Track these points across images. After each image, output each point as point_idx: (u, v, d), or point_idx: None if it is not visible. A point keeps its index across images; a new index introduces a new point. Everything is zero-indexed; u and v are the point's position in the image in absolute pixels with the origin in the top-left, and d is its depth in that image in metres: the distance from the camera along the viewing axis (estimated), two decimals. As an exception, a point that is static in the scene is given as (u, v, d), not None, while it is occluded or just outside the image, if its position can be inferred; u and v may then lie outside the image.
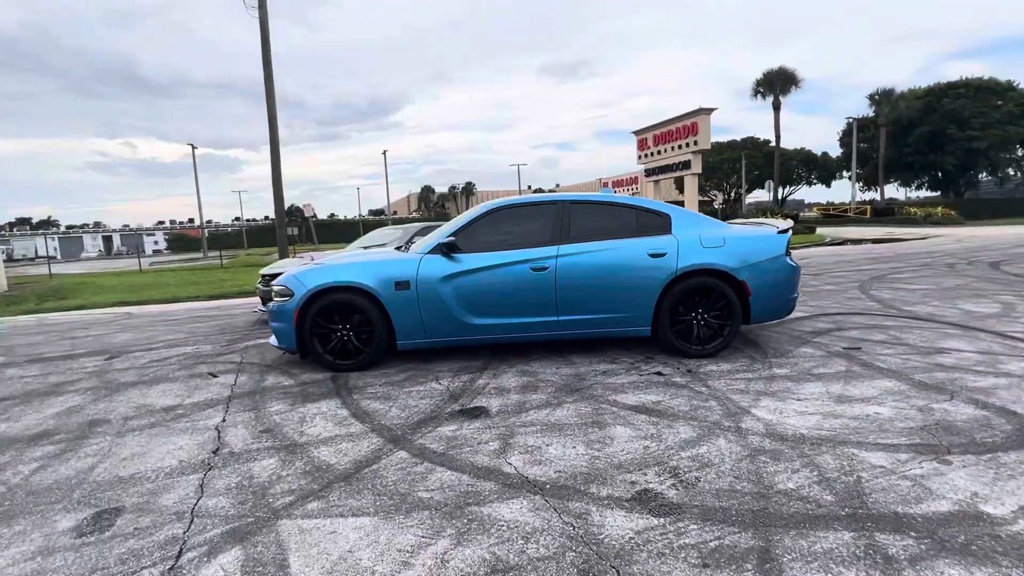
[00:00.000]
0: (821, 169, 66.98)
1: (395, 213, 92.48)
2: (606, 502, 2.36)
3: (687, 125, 29.40)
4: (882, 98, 37.94)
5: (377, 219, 72.43)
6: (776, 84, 34.02)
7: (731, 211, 42.04)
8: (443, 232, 4.71)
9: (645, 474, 2.60)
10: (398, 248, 5.49)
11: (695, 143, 29.11)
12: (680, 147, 30.03)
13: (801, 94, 23.07)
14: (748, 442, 2.90)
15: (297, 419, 3.52)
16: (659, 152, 31.85)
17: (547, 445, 2.97)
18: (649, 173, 33.33)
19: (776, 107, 34.59)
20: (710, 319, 4.54)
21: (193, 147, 38.32)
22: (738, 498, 2.34)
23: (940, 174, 40.54)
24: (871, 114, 42.81)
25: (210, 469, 2.84)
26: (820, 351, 4.58)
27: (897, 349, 4.55)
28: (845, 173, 51.32)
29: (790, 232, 4.70)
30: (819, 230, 30.06)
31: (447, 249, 4.48)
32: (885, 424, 3.05)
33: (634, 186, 79.56)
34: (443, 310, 4.48)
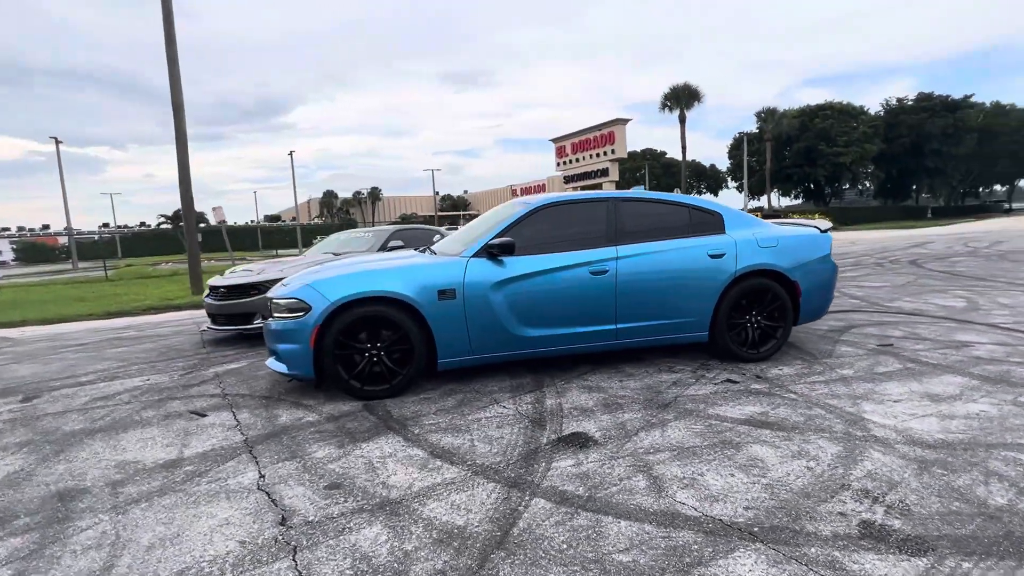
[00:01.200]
0: (710, 179, 73.04)
1: (294, 219, 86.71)
2: (839, 542, 2.00)
3: (604, 134, 30.48)
4: (767, 116, 42.30)
5: (277, 225, 67.40)
6: (682, 99, 36.55)
7: None
8: (486, 231, 4.12)
9: (843, 502, 2.28)
10: (422, 250, 4.74)
11: (612, 151, 30.27)
12: (598, 155, 31.05)
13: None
14: (902, 453, 2.70)
15: (363, 466, 2.78)
16: (577, 159, 32.72)
17: (700, 475, 2.56)
18: (568, 180, 34.10)
19: (682, 120, 37.17)
20: (763, 321, 4.40)
21: (57, 141, 32.92)
22: (970, 522, 2.10)
23: (812, 185, 46.07)
24: (755, 130, 47.49)
25: (296, 551, 2.07)
26: (860, 349, 4.62)
27: (925, 344, 4.71)
28: (732, 183, 56.34)
29: (831, 232, 4.72)
30: None
31: (498, 251, 3.90)
32: (1004, 422, 3.02)
33: (542, 192, 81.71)
34: (493, 322, 3.90)
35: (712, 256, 4.24)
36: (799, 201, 50.55)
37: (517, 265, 3.94)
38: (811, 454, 2.73)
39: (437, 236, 8.15)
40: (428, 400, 3.78)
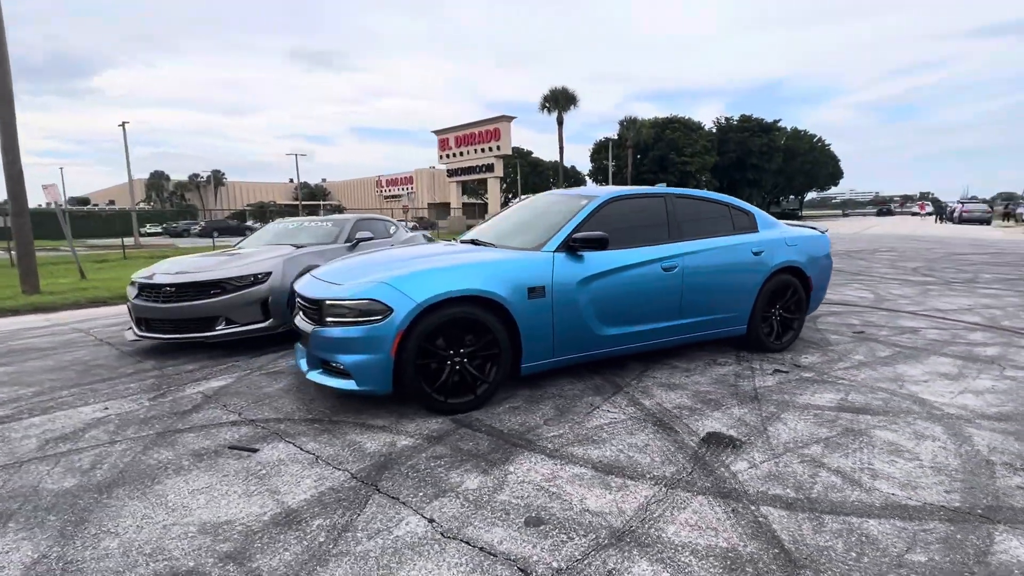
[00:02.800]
0: (571, 180, 77.57)
1: (112, 203, 73.11)
2: (1051, 514, 2.22)
3: (490, 130, 30.73)
4: (629, 124, 46.30)
5: (88, 210, 56.17)
6: (560, 101, 38.20)
7: None
8: (557, 224, 3.82)
9: (1008, 476, 2.54)
10: (454, 240, 4.18)
11: (498, 147, 30.66)
12: (483, 150, 31.21)
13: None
14: (987, 426, 3.10)
15: (538, 492, 2.40)
16: (461, 153, 32.52)
17: (870, 464, 2.66)
18: (451, 173, 33.76)
19: (560, 122, 38.91)
20: (784, 314, 4.77)
21: None
22: (1110, 481, 2.48)
23: (664, 190, 51.76)
24: (614, 136, 51.70)
25: (587, 607, 1.70)
26: (843, 337, 5.24)
27: (885, 330, 5.50)
28: (593, 184, 60.57)
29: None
30: None
31: (585, 245, 3.65)
32: (1018, 393, 3.64)
33: (409, 186, 79.93)
34: (577, 321, 3.65)
35: (754, 253, 4.48)
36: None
37: (596, 261, 3.74)
38: (927, 434, 3.01)
39: (392, 227, 7.48)
40: (520, 410, 3.42)
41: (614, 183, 54.23)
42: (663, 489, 2.45)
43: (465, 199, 59.42)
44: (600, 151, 55.02)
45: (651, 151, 47.36)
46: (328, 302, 3.24)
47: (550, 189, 69.53)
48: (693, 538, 2.08)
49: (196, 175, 79.76)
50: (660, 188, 4.53)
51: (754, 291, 4.48)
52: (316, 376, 3.34)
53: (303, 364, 3.60)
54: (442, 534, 2.12)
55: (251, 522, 2.21)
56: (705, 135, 51.01)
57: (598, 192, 4.14)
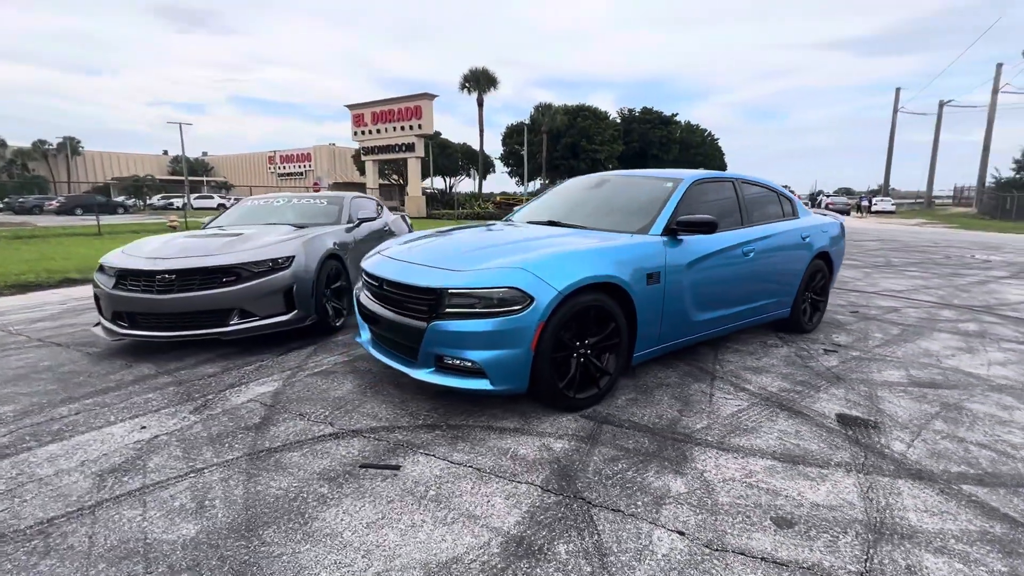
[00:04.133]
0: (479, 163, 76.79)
1: (-75, 171, 59.84)
2: None
3: (410, 107, 29.36)
4: (544, 111, 46.71)
5: None
6: (481, 82, 37.40)
7: (450, 199, 43.49)
8: (662, 206, 3.63)
9: (1109, 438, 2.86)
10: (507, 220, 3.82)
11: (419, 126, 29.41)
12: (403, 128, 29.79)
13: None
14: (1046, 395, 3.50)
15: (750, 490, 2.26)
16: (379, 131, 30.78)
17: (1000, 437, 2.86)
18: (367, 151, 31.85)
19: (480, 103, 38.16)
20: (814, 296, 5.03)
21: None
22: None
23: (575, 175, 53.03)
24: (526, 121, 52.03)
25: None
26: (852, 318, 5.66)
27: (876, 310, 6.05)
28: (504, 168, 60.70)
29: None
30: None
31: (686, 229, 3.51)
32: (1038, 364, 4.16)
33: (307, 163, 75.00)
34: (680, 306, 3.54)
35: (803, 239, 4.65)
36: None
37: (695, 245, 3.63)
38: (1007, 404, 3.32)
39: (380, 207, 6.85)
40: (640, 402, 3.24)
41: (522, 169, 54.76)
42: (860, 476, 2.43)
43: (362, 179, 56.86)
44: (512, 135, 55.03)
45: (563, 138, 48.29)
46: (451, 290, 2.81)
47: (460, 172, 67.84)
48: (941, 524, 2.08)
49: (43, 142, 67.93)
50: (730, 173, 4.52)
51: (800, 275, 4.67)
52: (428, 376, 2.91)
53: (395, 363, 3.13)
54: (706, 546, 1.92)
55: (483, 556, 1.85)
56: (611, 124, 53.02)
57: (681, 175, 4.03)
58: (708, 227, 3.50)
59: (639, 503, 2.18)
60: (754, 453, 2.62)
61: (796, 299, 4.71)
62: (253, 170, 79.39)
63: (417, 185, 30.87)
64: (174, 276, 3.95)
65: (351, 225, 5.53)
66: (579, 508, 2.13)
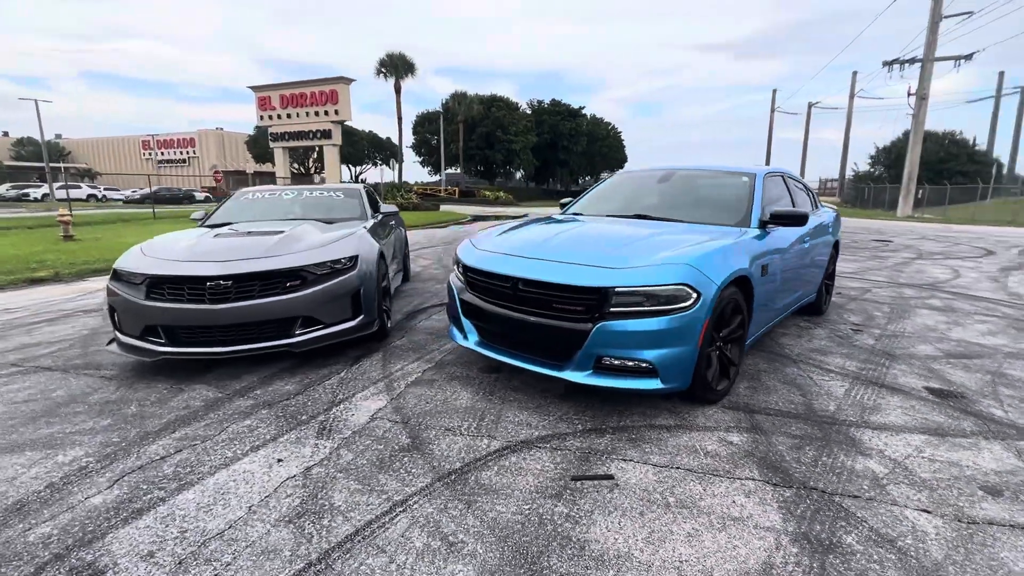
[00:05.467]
0: (386, 151, 74.59)
1: None
2: None
3: (325, 92, 27.60)
4: (460, 99, 45.95)
5: None
6: (400, 68, 35.73)
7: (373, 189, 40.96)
8: (750, 200, 3.76)
9: None
10: (564, 214, 3.79)
11: (335, 112, 27.79)
12: (318, 114, 27.98)
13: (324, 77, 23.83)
14: (1048, 358, 4.14)
15: (969, 469, 2.45)
16: (289, 116, 28.60)
17: (1055, 396, 3.34)
18: (276, 138, 29.46)
19: (397, 90, 36.41)
20: (827, 282, 5.51)
21: None
22: None
23: (492, 166, 53.03)
24: (436, 110, 51.15)
25: None
26: (845, 298, 6.28)
27: (855, 291, 6.76)
28: (416, 157, 59.11)
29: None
30: (443, 207, 33.86)
31: (778, 222, 3.66)
32: None
33: (190, 149, 68.15)
34: (773, 295, 3.72)
35: (830, 230, 5.06)
36: (474, 179, 57.81)
37: (777, 236, 3.81)
38: (1035, 369, 3.89)
39: (379, 201, 6.43)
40: (758, 390, 3.36)
41: (433, 158, 53.78)
42: (1000, 441, 2.72)
43: (261, 167, 52.93)
44: (423, 124, 53.72)
45: (478, 127, 48.02)
46: (618, 289, 2.71)
47: (367, 161, 65.16)
48: (1101, 477, 2.40)
49: None
50: (777, 167, 4.77)
51: (826, 261, 5.09)
52: (586, 378, 2.79)
53: (531, 365, 2.97)
54: (958, 520, 2.05)
55: (791, 559, 1.83)
56: (524, 116, 53.69)
57: (751, 170, 4.20)
58: (800, 220, 3.70)
59: (863, 487, 2.28)
60: (901, 429, 2.84)
61: (820, 284, 5.14)
62: (123, 156, 70.35)
63: (336, 175, 29.15)
64: (231, 282, 3.40)
65: (376, 219, 5.11)
66: (821, 498, 2.19)
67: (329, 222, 4.67)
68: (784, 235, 3.89)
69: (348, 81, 27.75)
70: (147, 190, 33.93)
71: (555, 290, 2.88)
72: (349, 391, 3.29)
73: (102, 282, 7.53)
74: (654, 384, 2.75)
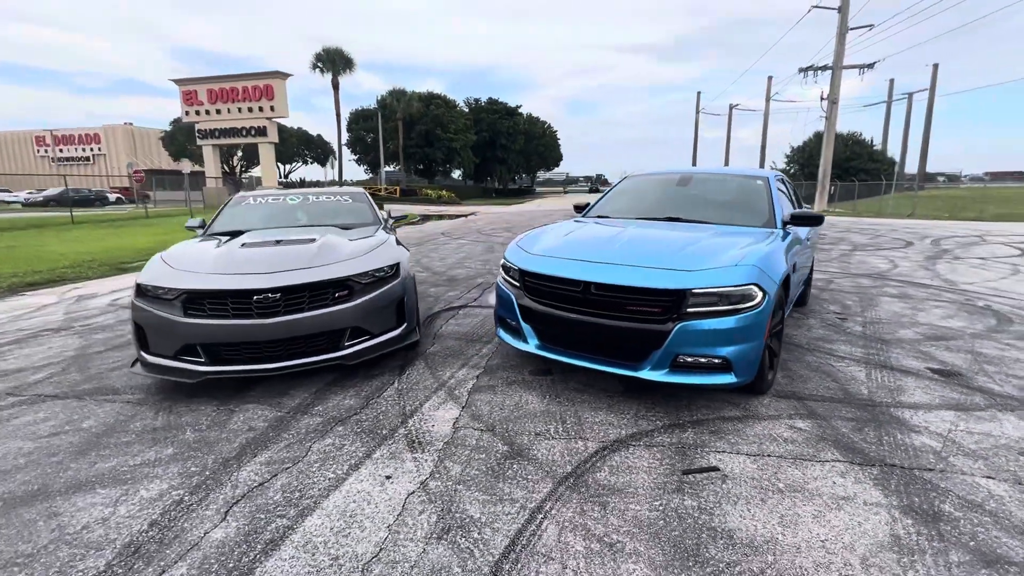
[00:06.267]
0: (318, 149, 71.81)
1: None
2: None
3: (259, 86, 26.17)
4: (399, 96, 44.85)
5: None
6: (337, 63, 34.18)
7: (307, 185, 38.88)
8: (771, 202, 4.06)
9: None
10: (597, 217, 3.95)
11: (271, 108, 26.44)
12: (251, 110, 26.49)
13: (241, 71, 23.08)
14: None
15: None
16: (219, 111, 26.85)
17: (1030, 370, 3.86)
18: (205, 135, 27.54)
19: (335, 86, 34.84)
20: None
21: None
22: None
23: (430, 164, 52.26)
24: (370, 107, 49.88)
25: None
26: (817, 291, 6.83)
27: (818, 281, 7.36)
28: (351, 155, 57.19)
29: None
30: (387, 207, 32.94)
31: (797, 222, 3.98)
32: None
33: (95, 145, 62.51)
34: (793, 291, 4.03)
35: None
36: (413, 177, 56.79)
37: (794, 237, 4.11)
38: (1002, 343, 4.45)
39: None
40: (792, 379, 3.64)
41: (369, 156, 52.33)
42: (1013, 412, 3.13)
43: (177, 165, 49.48)
44: (358, 121, 52.12)
45: (417, 125, 47.22)
46: (695, 291, 2.86)
47: (296, 159, 62.23)
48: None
49: None
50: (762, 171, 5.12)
51: (812, 257, 5.54)
52: (663, 376, 2.92)
53: (602, 366, 3.07)
54: (1018, 483, 2.37)
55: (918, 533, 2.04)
56: (462, 114, 53.45)
57: (761, 173, 4.51)
58: (816, 220, 4.03)
59: (930, 460, 2.56)
60: (930, 407, 3.19)
61: (809, 277, 5.59)
62: (11, 154, 63.11)
63: (273, 174, 27.71)
64: (279, 295, 3.24)
65: (386, 224, 5.00)
66: (904, 473, 2.44)
67: (346, 228, 4.52)
68: (798, 234, 4.22)
69: (284, 76, 26.42)
70: (51, 191, 30.67)
71: (631, 293, 2.99)
72: (414, 402, 3.24)
73: (45, 296, 6.84)
74: (728, 379, 2.93)
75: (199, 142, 28.01)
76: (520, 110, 61.57)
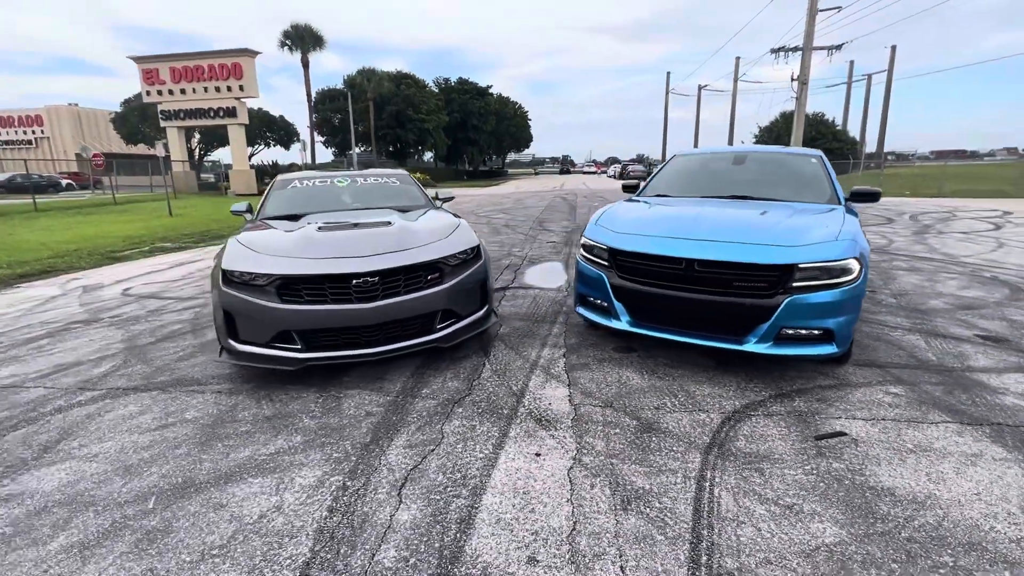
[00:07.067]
0: (281, 131, 69.16)
1: None
2: None
3: (227, 65, 24.97)
4: (369, 76, 43.46)
5: None
6: (306, 39, 32.68)
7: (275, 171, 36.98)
8: (830, 180, 4.20)
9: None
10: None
11: (240, 88, 25.34)
12: (219, 89, 25.32)
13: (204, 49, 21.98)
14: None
15: (1052, 394, 3.00)
16: (183, 91, 25.53)
17: (1064, 334, 4.16)
18: (168, 116, 26.16)
19: (305, 64, 33.40)
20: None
21: None
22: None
23: (401, 146, 51.09)
24: (336, 87, 48.37)
25: None
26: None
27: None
28: (318, 137, 55.33)
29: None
30: None
31: (856, 198, 4.12)
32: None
33: (37, 128, 58.77)
34: (852, 265, 4.19)
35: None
36: (384, 159, 55.51)
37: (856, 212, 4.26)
38: (1028, 314, 4.77)
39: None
40: (863, 348, 3.81)
41: (337, 139, 50.80)
42: (1072, 372, 3.38)
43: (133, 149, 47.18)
44: (324, 101, 50.39)
45: (388, 106, 45.97)
46: (802, 265, 2.96)
47: (258, 141, 59.76)
48: None
49: None
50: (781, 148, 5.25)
51: (843, 233, 5.75)
52: (768, 348, 3.02)
53: (705, 341, 3.15)
54: (1115, 435, 2.58)
55: None
56: (433, 94, 52.32)
57: (812, 152, 4.64)
58: (873, 196, 4.19)
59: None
60: (998, 370, 3.40)
61: (837, 253, 5.81)
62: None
63: (244, 158, 26.62)
64: (377, 279, 3.17)
65: (436, 206, 4.92)
66: (1014, 431, 2.62)
67: (404, 211, 4.44)
68: (853, 209, 4.39)
69: (253, 54, 25.24)
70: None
71: (738, 269, 3.07)
72: (516, 382, 3.26)
73: (46, 288, 6.52)
74: (830, 349, 3.06)
75: (163, 123, 26.53)
76: (491, 90, 60.75)
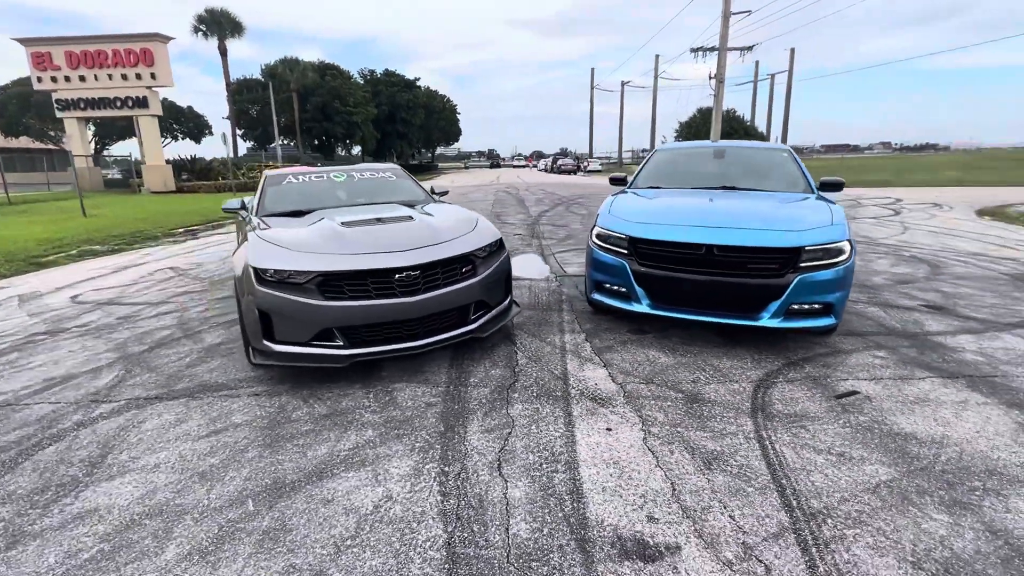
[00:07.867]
0: (190, 123, 64.27)
1: None
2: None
3: (135, 51, 22.86)
4: (292, 65, 41.12)
5: None
6: (224, 25, 30.17)
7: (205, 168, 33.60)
8: (801, 171, 4.68)
9: None
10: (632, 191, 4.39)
11: (152, 76, 23.31)
12: (126, 77, 23.11)
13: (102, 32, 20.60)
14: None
15: None
16: (83, 78, 23.08)
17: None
18: (67, 105, 23.51)
19: (223, 52, 30.87)
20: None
21: None
22: (1027, 288, 5.44)
23: (329, 139, 48.97)
24: (256, 77, 45.60)
25: None
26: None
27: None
28: (238, 130, 51.95)
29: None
30: None
31: (826, 188, 4.61)
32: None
33: None
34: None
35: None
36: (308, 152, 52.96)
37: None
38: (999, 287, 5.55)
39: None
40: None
41: (256, 132, 47.97)
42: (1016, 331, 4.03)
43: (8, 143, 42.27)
44: (241, 92, 47.29)
45: (312, 97, 43.89)
46: (808, 247, 3.33)
47: (166, 134, 55.43)
48: (1074, 343, 3.77)
49: None
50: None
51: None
52: (779, 323, 3.39)
53: (721, 319, 3.48)
54: (1056, 379, 3.15)
55: None
56: (360, 86, 50.58)
57: (781, 146, 5.12)
58: (839, 186, 4.71)
59: (988, 370, 3.28)
60: (950, 333, 3.99)
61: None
62: None
63: (158, 152, 24.49)
64: (419, 272, 3.20)
65: (434, 199, 4.95)
66: (986, 380, 3.12)
67: (409, 205, 4.43)
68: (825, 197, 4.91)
69: (165, 39, 23.22)
70: None
71: (754, 252, 3.40)
72: (555, 366, 3.42)
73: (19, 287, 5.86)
74: (829, 321, 3.47)
75: (59, 114, 23.76)
76: (419, 83, 59.70)
